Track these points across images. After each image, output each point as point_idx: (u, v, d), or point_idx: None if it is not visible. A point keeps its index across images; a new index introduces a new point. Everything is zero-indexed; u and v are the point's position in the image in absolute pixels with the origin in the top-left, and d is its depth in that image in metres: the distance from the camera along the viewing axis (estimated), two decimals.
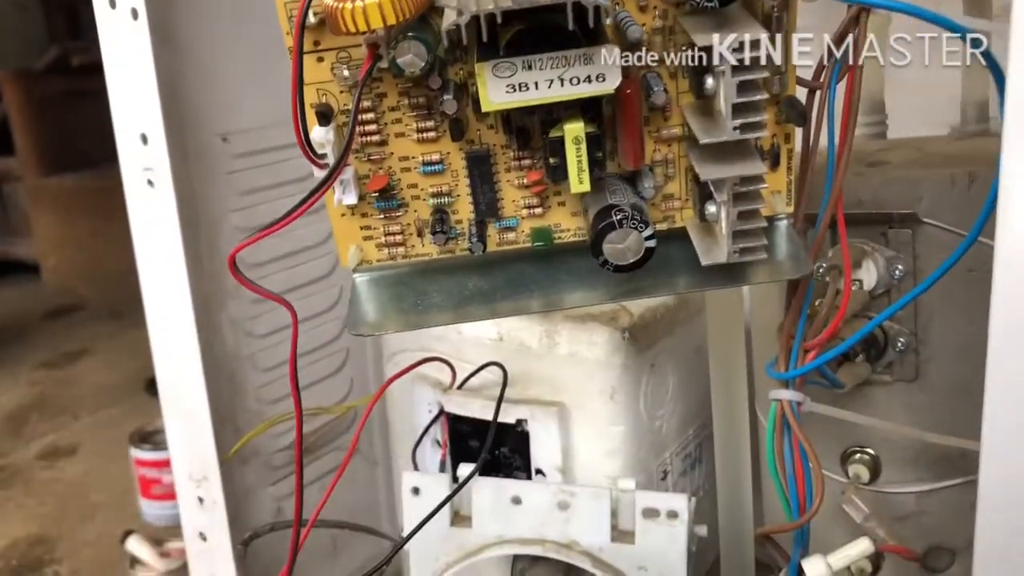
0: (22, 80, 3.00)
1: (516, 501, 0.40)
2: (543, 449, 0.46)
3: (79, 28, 3.57)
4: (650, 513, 0.39)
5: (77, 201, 2.92)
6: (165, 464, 1.52)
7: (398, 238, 0.33)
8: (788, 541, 0.37)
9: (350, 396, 0.56)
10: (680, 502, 0.38)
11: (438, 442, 0.50)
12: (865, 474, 0.41)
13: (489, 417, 0.47)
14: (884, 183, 0.39)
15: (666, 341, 0.46)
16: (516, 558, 0.43)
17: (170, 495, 1.54)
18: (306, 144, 0.29)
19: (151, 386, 2.32)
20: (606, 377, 0.44)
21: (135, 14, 0.40)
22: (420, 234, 0.33)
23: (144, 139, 0.41)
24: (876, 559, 0.41)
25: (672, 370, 0.47)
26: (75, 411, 2.29)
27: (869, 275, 0.39)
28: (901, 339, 0.39)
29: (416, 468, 0.48)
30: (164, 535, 1.20)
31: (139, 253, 0.44)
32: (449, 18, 0.25)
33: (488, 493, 0.40)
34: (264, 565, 0.48)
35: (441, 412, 0.49)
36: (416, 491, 0.41)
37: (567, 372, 0.45)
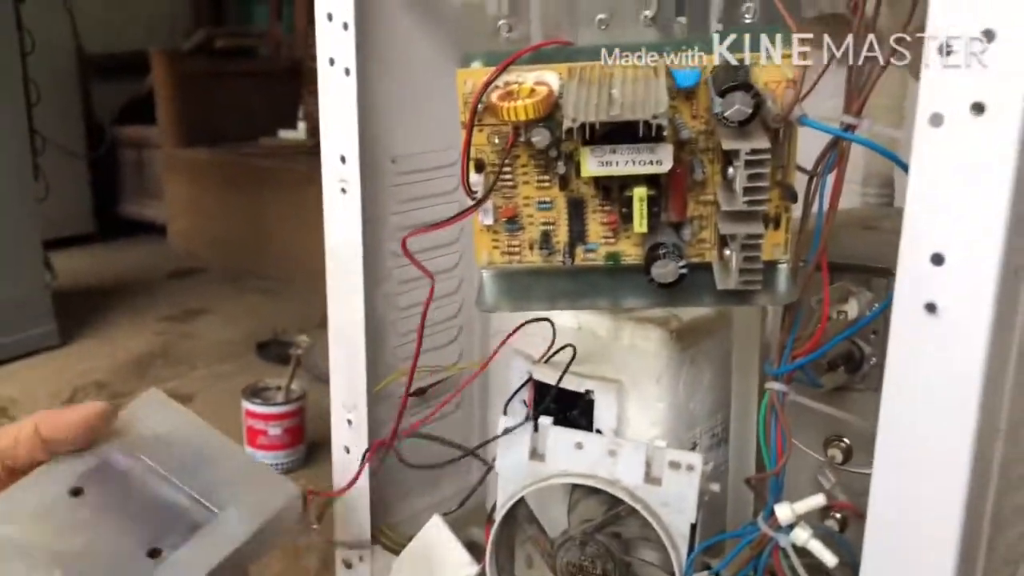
0: (170, 58, 3.30)
1: (579, 446, 0.55)
2: (604, 414, 0.61)
3: (223, 15, 3.85)
4: (674, 465, 0.53)
5: (208, 172, 3.20)
6: (272, 417, 1.73)
7: (516, 249, 0.49)
8: None
9: (459, 362, 0.73)
10: (696, 459, 0.53)
11: (524, 402, 0.66)
12: (839, 456, 0.55)
13: (566, 385, 0.62)
14: (871, 243, 0.53)
15: (704, 343, 0.61)
16: (573, 489, 0.58)
17: (274, 446, 1.74)
18: (467, 183, 0.45)
19: (261, 348, 2.54)
20: (655, 364, 0.59)
21: (347, 72, 0.57)
22: (531, 248, 0.48)
23: (343, 159, 0.58)
24: (843, 522, 0.55)
25: (707, 367, 0.62)
26: (193, 362, 2.54)
27: (852, 309, 0.53)
28: (873, 358, 0.53)
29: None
30: None
31: (329, 239, 0.61)
32: (567, 121, 0.41)
33: (559, 438, 0.55)
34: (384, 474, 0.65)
35: (530, 379, 0.64)
36: (507, 430, 0.57)
37: (627, 358, 0.60)
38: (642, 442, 0.54)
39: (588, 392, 0.62)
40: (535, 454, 0.56)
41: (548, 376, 0.64)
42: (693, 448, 0.62)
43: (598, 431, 0.62)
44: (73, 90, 3.19)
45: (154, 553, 0.46)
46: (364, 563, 0.65)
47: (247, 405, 1.70)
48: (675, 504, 0.53)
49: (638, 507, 0.53)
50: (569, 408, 0.64)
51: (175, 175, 3.33)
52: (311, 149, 3.13)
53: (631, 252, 0.48)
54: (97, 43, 3.34)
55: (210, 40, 3.46)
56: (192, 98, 3.26)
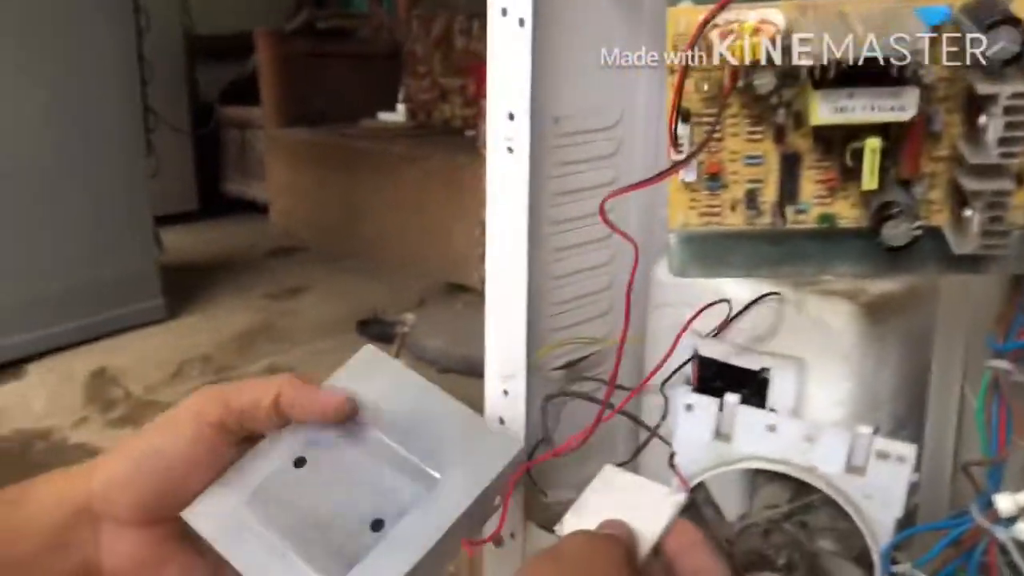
0: (274, 39, 3.34)
1: (771, 429, 0.51)
2: (780, 393, 0.57)
3: None
4: (882, 455, 0.49)
5: (308, 153, 3.23)
6: None
7: (716, 210, 0.45)
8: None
9: (609, 337, 0.69)
10: (909, 450, 0.48)
11: (687, 380, 0.62)
12: None
13: (737, 363, 0.59)
14: None
15: (894, 322, 0.56)
16: (756, 474, 0.54)
17: None
18: (673, 134, 0.42)
19: (362, 326, 2.55)
20: (844, 341, 0.54)
21: (522, 23, 0.54)
22: (732, 208, 0.45)
23: (511, 116, 0.55)
24: None
25: (895, 345, 0.57)
26: (294, 339, 2.57)
27: None
28: None
29: (666, 401, 0.60)
30: None
31: (491, 201, 0.58)
32: (804, 59, 0.37)
33: (749, 418, 0.51)
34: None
35: (695, 355, 0.61)
36: (689, 407, 0.53)
37: (811, 333, 0.55)
38: (844, 428, 0.49)
39: (763, 370, 0.58)
40: (719, 434, 0.52)
41: (717, 352, 0.60)
42: (875, 432, 0.58)
43: (771, 411, 0.58)
44: (181, 70, 3.26)
45: (377, 525, 0.44)
46: (515, 540, 0.62)
47: None
48: (880, 497, 0.48)
49: (838, 499, 0.49)
50: (737, 387, 0.60)
51: (276, 155, 3.37)
52: (410, 131, 3.14)
53: (848, 214, 0.43)
54: (205, 25, 3.40)
55: (312, 21, 3.50)
56: (294, 78, 3.29)
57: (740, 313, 0.57)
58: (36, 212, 2.13)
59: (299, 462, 0.48)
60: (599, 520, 0.48)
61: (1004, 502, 0.45)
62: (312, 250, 3.19)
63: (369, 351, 0.53)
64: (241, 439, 0.50)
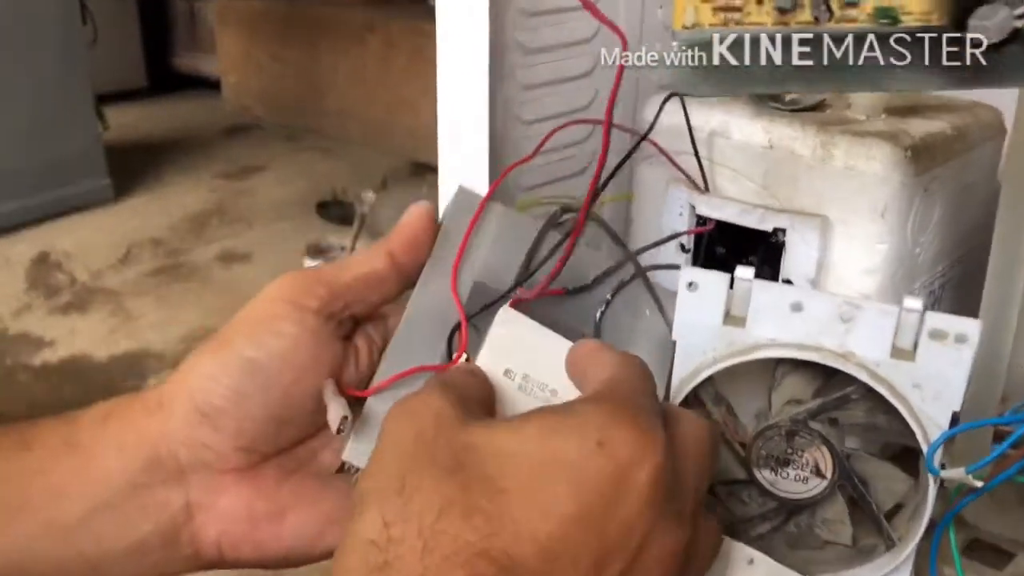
0: None
1: (796, 308, 0.40)
2: (797, 260, 0.46)
3: None
4: (937, 334, 0.38)
5: (261, 24, 3.02)
6: None
7: (737, 3, 0.33)
8: None
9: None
10: (972, 327, 0.38)
11: (683, 246, 0.51)
12: None
13: (743, 223, 0.48)
14: None
15: (940, 169, 0.46)
16: (777, 364, 0.43)
17: None
18: None
19: (322, 208, 2.43)
20: (881, 193, 0.44)
21: None
22: (759, 1, 0.33)
23: None
24: None
25: (940, 200, 0.46)
26: (250, 221, 2.44)
27: None
28: None
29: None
30: None
31: (440, 15, 0.46)
32: None
33: (768, 297, 0.40)
34: None
35: (701, 218, 0.50)
36: (692, 285, 0.41)
37: (838, 185, 0.45)
38: (889, 304, 0.39)
39: (777, 232, 0.47)
40: (731, 317, 0.42)
41: (719, 210, 0.49)
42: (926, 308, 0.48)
43: (787, 282, 0.48)
44: None
45: None
46: None
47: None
48: (932, 387, 0.38)
49: (881, 389, 0.38)
50: (743, 253, 0.50)
51: (228, 27, 3.16)
52: None
53: (914, 8, 0.32)
54: None
55: None
56: None
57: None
58: None
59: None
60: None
61: None
62: (268, 127, 3.03)
63: (463, 191, 0.45)
64: (345, 333, 0.39)
